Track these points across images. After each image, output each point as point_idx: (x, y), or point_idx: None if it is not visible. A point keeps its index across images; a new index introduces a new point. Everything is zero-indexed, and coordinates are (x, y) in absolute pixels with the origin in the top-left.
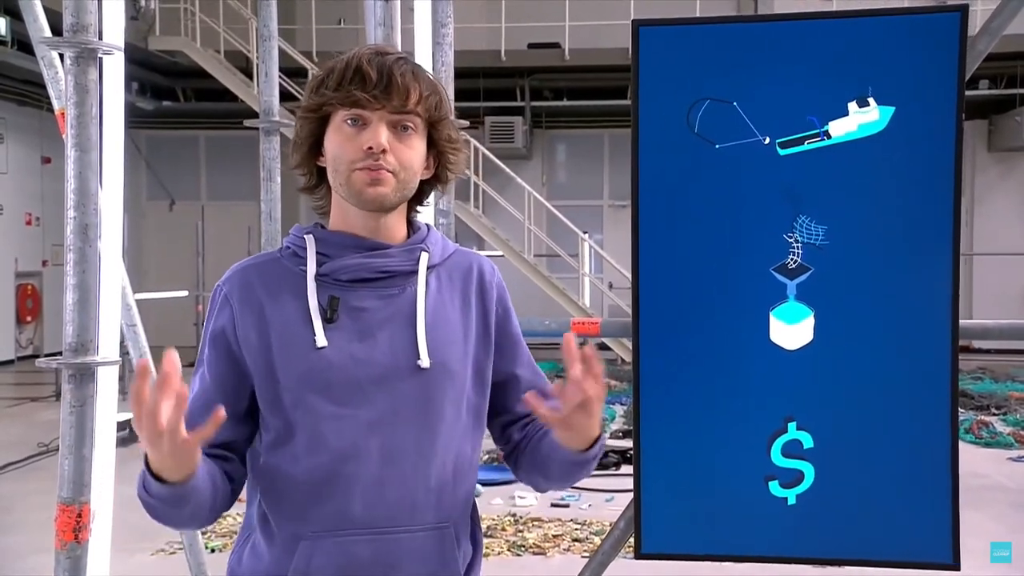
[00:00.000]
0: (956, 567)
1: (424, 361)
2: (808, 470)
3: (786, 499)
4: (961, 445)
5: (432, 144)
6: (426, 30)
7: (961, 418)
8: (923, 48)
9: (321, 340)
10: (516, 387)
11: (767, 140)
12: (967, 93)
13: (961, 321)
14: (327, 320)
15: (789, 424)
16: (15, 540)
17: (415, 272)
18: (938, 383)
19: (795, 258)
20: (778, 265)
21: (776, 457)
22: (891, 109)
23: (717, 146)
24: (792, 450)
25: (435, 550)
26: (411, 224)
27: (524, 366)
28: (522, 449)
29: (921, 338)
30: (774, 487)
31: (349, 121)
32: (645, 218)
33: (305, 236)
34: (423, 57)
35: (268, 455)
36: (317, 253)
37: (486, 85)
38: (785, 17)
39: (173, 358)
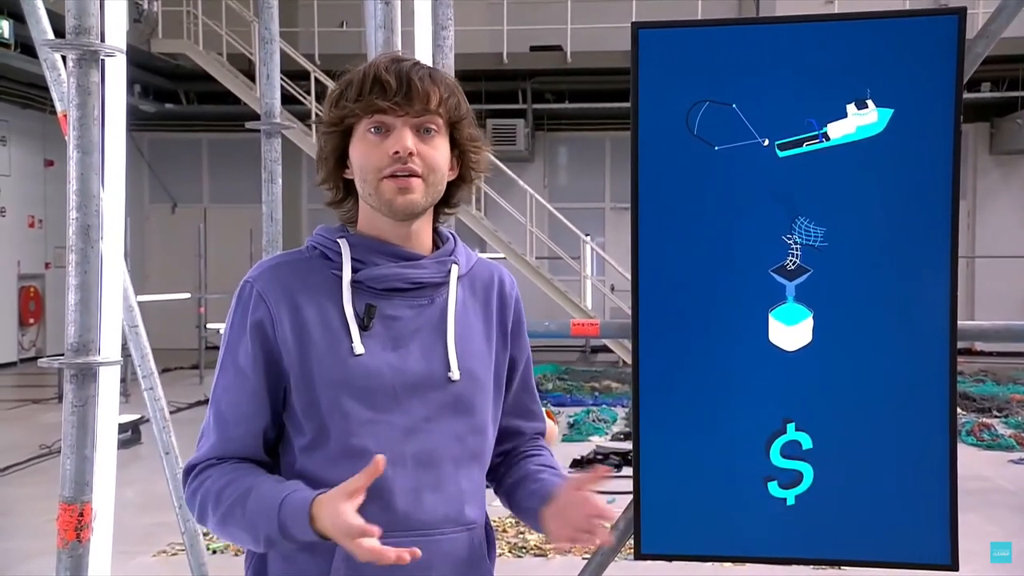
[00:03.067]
0: (954, 568)
1: (455, 373)
2: (807, 471)
3: (785, 500)
4: (962, 448)
5: (455, 144)
6: (426, 33)
7: (963, 420)
8: (921, 51)
9: (359, 347)
10: (505, 401)
11: (766, 142)
12: (968, 96)
13: (959, 322)
14: (362, 327)
15: (788, 425)
16: (16, 543)
17: (444, 283)
18: (936, 383)
19: (794, 259)
20: (777, 267)
21: (775, 458)
22: (890, 111)
23: (716, 148)
24: (791, 451)
25: (466, 551)
26: (437, 233)
27: (521, 383)
28: (500, 476)
29: (920, 339)
30: (773, 488)
31: (372, 130)
32: (645, 220)
33: (339, 240)
34: (423, 60)
35: (303, 459)
36: (351, 259)
37: (488, 88)
38: (784, 20)
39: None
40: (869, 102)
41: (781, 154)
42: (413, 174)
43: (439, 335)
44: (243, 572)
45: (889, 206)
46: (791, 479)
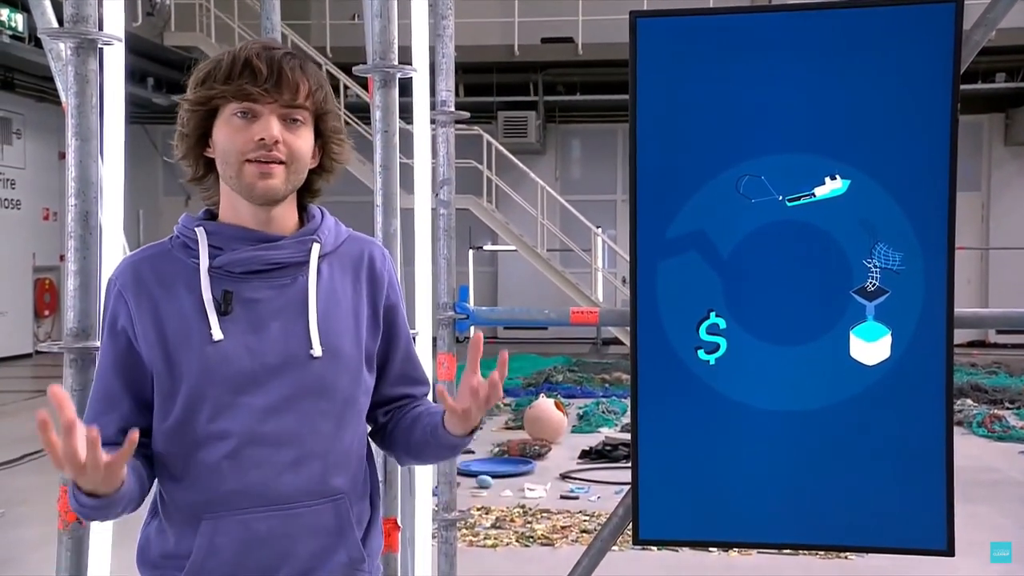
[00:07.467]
0: (950, 553)
1: (316, 350)
2: (806, 457)
3: (782, 483)
4: (973, 439)
5: (318, 134)
6: (423, 22)
7: (974, 412)
8: (919, 38)
9: (217, 334)
10: (389, 373)
11: (778, 193)
12: (983, 86)
13: (967, 310)
14: (222, 313)
15: (786, 412)
16: (32, 531)
17: (307, 262)
18: (933, 371)
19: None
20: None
21: (770, 444)
22: (848, 181)
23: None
24: (787, 438)
25: (332, 522)
26: (306, 210)
27: (400, 355)
28: (389, 431)
29: (916, 326)
30: (769, 472)
31: (239, 114)
32: (643, 210)
33: (196, 229)
34: (420, 49)
35: (168, 441)
36: (209, 246)
37: (499, 80)
38: (783, 8)
39: (62, 398)
40: (837, 176)
41: (790, 205)
42: (275, 161)
43: (301, 314)
44: None
45: (887, 196)
46: (787, 463)
